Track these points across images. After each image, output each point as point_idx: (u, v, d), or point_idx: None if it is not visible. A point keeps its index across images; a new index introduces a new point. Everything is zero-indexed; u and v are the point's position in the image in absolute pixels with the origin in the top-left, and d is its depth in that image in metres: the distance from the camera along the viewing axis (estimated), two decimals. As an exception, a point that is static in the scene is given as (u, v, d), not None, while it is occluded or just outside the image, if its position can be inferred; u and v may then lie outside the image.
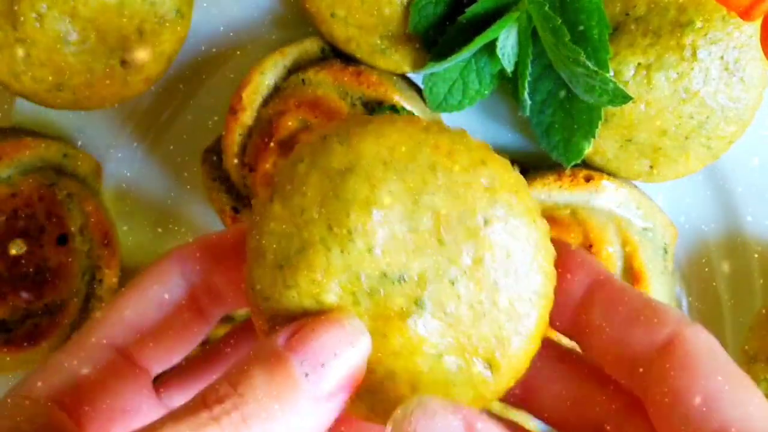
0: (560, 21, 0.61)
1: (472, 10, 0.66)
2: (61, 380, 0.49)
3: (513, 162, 0.47)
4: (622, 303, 0.48)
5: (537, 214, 0.45)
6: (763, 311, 0.75)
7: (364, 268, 0.44)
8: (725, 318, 0.77)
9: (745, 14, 0.58)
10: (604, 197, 0.73)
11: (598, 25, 0.64)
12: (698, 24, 0.66)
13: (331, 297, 0.44)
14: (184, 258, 0.52)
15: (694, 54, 0.66)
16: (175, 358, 0.53)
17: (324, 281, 0.44)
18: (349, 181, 0.43)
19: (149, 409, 0.53)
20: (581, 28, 0.64)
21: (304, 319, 0.44)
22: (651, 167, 0.71)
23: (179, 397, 0.55)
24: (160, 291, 0.51)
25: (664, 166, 0.71)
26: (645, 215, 0.73)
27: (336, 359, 0.43)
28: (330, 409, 0.43)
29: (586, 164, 0.73)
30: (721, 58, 0.67)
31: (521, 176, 0.46)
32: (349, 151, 0.44)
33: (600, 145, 0.71)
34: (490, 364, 0.46)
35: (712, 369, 0.46)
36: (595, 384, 0.51)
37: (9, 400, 0.47)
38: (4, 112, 0.78)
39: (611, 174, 0.73)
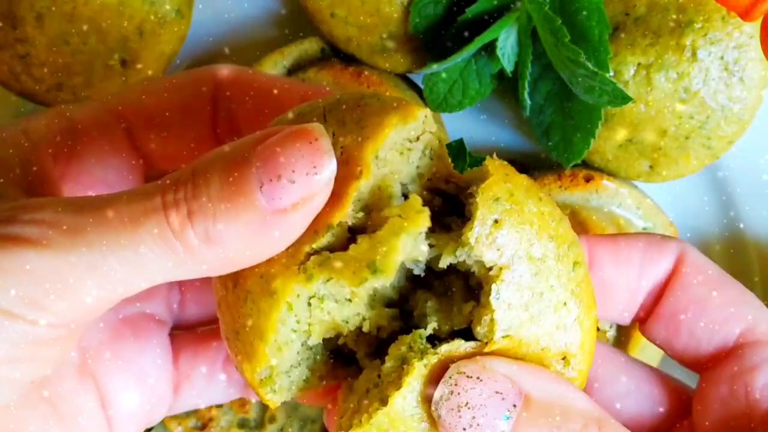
0: (560, 21, 0.61)
1: (471, 11, 0.66)
2: (61, 128, 0.48)
3: (513, 162, 0.46)
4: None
5: (532, 188, 0.43)
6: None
7: None
8: (725, 318, 0.77)
9: (745, 14, 0.58)
10: (604, 197, 0.73)
11: (598, 25, 0.64)
12: (698, 24, 0.66)
13: None
14: (227, 80, 0.51)
15: (694, 54, 0.66)
16: (170, 149, 0.52)
17: None
18: None
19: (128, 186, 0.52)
20: (581, 28, 0.64)
21: (277, 127, 0.41)
22: (651, 167, 0.71)
23: None
24: (190, 88, 0.50)
25: (664, 166, 0.71)
26: (645, 215, 0.73)
27: (293, 175, 0.40)
28: (277, 227, 0.40)
29: (586, 164, 0.73)
30: (721, 58, 0.67)
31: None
32: None
33: (600, 145, 0.71)
34: (564, 358, 0.44)
35: (719, 281, 0.49)
36: None
37: (5, 134, 0.47)
38: (4, 112, 0.78)
39: (611, 174, 0.73)
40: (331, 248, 0.42)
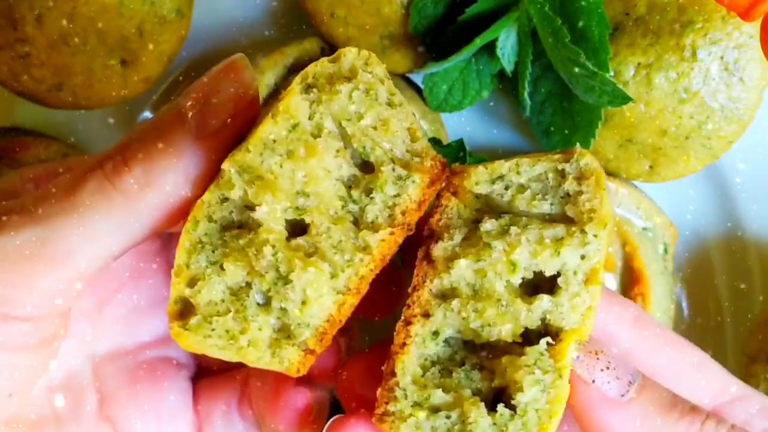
0: (560, 22, 0.61)
1: (471, 11, 0.66)
2: (45, 172, 0.50)
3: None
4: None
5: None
6: (763, 314, 0.75)
7: None
8: (725, 318, 0.77)
9: (745, 14, 0.58)
10: (604, 197, 0.73)
11: (598, 25, 0.64)
12: (698, 24, 0.66)
13: None
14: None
15: (694, 54, 0.66)
16: None
17: None
18: None
19: None
20: (581, 28, 0.64)
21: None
22: (651, 167, 0.71)
23: None
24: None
25: (664, 166, 0.71)
26: (645, 215, 0.73)
27: (219, 95, 0.42)
28: (210, 149, 0.42)
29: (586, 164, 0.73)
30: (721, 58, 0.67)
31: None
32: None
33: (600, 145, 0.71)
34: None
35: (676, 344, 0.49)
36: None
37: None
38: (4, 112, 0.78)
39: (611, 174, 0.73)
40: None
